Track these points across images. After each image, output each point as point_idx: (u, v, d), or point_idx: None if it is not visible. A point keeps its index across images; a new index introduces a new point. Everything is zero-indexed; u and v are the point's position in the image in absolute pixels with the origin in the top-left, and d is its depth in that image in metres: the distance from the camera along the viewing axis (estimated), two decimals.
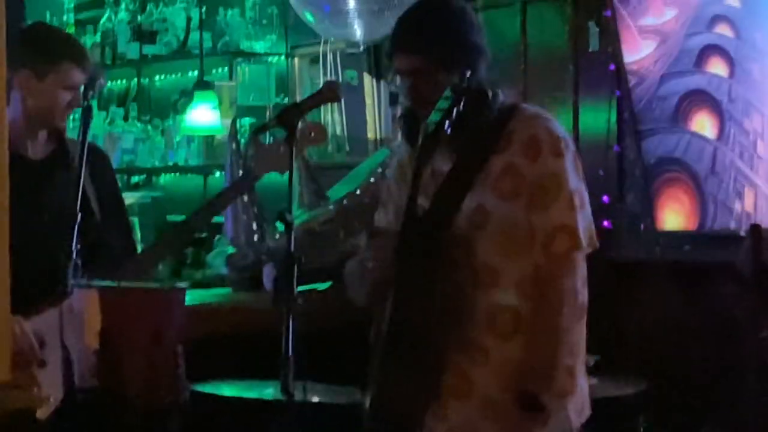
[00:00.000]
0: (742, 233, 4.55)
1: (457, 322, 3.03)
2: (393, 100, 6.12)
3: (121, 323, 3.27)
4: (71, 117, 3.91)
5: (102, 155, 3.87)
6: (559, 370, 3.00)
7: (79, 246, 3.26)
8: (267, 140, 3.81)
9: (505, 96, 3.15)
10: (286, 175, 3.19)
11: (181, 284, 4.05)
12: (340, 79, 6.41)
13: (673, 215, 5.06)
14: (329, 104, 6.58)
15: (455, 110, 2.92)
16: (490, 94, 3.07)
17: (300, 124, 3.22)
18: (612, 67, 5.24)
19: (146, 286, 3.52)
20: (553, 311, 3.01)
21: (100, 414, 3.26)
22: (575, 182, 3.07)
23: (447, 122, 2.90)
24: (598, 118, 5.35)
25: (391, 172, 3.33)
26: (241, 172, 5.04)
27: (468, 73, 3.00)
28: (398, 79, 3.15)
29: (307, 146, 3.79)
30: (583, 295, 3.06)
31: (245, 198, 5.46)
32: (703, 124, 4.94)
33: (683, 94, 5.01)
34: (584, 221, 3.06)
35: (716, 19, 4.85)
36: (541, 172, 3.04)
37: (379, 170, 5.66)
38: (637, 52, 5.13)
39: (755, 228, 3.19)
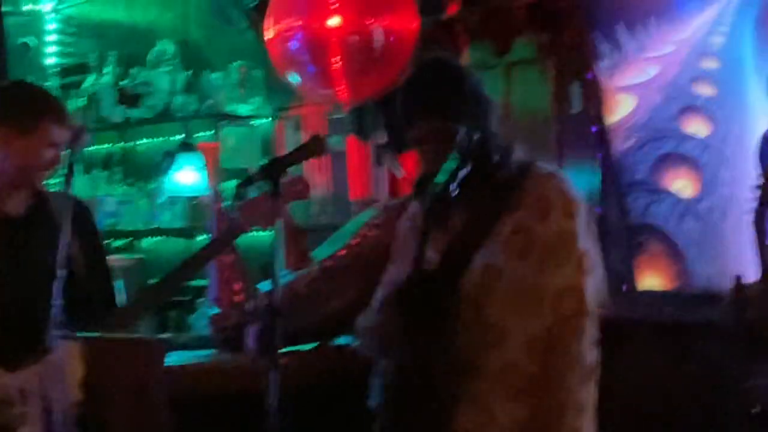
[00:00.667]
0: (722, 293, 4.56)
1: (464, 380, 3.01)
2: (378, 160, 6.15)
3: (103, 374, 3.25)
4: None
5: (84, 208, 3.86)
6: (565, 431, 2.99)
7: (60, 302, 3.25)
8: (251, 195, 3.81)
9: (520, 152, 3.13)
10: (269, 234, 3.18)
11: (163, 336, 4.03)
12: None
13: (652, 276, 5.07)
14: (314, 167, 6.63)
15: (461, 172, 2.91)
16: (496, 157, 3.05)
17: (284, 178, 3.21)
18: (594, 128, 5.28)
19: (128, 338, 3.50)
20: (557, 374, 2.99)
21: None
22: (586, 244, 3.05)
23: (452, 186, 2.91)
24: (580, 179, 5.35)
25: (406, 225, 3.31)
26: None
27: (476, 135, 2.99)
28: (412, 148, 3.14)
29: (291, 200, 3.79)
30: (592, 357, 3.04)
31: (229, 258, 5.45)
32: (682, 184, 4.96)
33: (661, 154, 5.04)
34: (595, 283, 3.05)
35: (697, 78, 4.90)
36: (551, 233, 3.02)
37: (363, 231, 5.66)
38: (616, 112, 5.16)
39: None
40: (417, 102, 3.11)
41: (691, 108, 4.93)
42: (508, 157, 3.09)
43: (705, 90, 4.88)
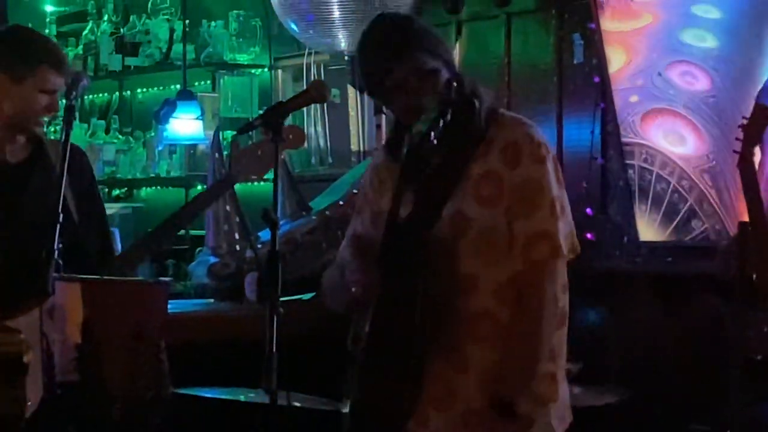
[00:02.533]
0: (719, 245, 4.56)
1: (438, 329, 3.01)
2: (377, 110, 6.12)
3: (102, 317, 3.24)
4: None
5: (81, 154, 3.84)
6: (539, 376, 2.98)
7: (60, 246, 3.24)
8: (248, 143, 3.80)
9: (487, 99, 3.11)
10: (269, 184, 3.17)
11: (164, 279, 4.01)
12: None
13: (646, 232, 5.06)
14: (312, 118, 6.61)
15: (442, 121, 2.89)
16: (477, 103, 3.03)
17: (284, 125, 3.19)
18: (596, 78, 5.25)
19: (130, 280, 3.48)
20: (532, 318, 2.99)
21: (81, 408, 3.23)
22: (556, 188, 3.05)
23: (433, 133, 2.88)
24: (582, 130, 5.35)
25: (367, 178, 3.29)
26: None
27: (455, 83, 2.97)
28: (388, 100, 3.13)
29: (286, 149, 3.76)
30: (564, 301, 3.04)
31: (227, 207, 5.44)
32: (675, 139, 4.93)
33: (652, 108, 5.00)
34: (566, 228, 3.04)
35: (693, 27, 4.84)
36: (522, 179, 3.01)
37: (362, 181, 5.64)
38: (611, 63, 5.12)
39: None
40: (377, 55, 3.07)
41: (686, 60, 4.87)
42: (480, 102, 3.06)
43: (702, 41, 4.81)
